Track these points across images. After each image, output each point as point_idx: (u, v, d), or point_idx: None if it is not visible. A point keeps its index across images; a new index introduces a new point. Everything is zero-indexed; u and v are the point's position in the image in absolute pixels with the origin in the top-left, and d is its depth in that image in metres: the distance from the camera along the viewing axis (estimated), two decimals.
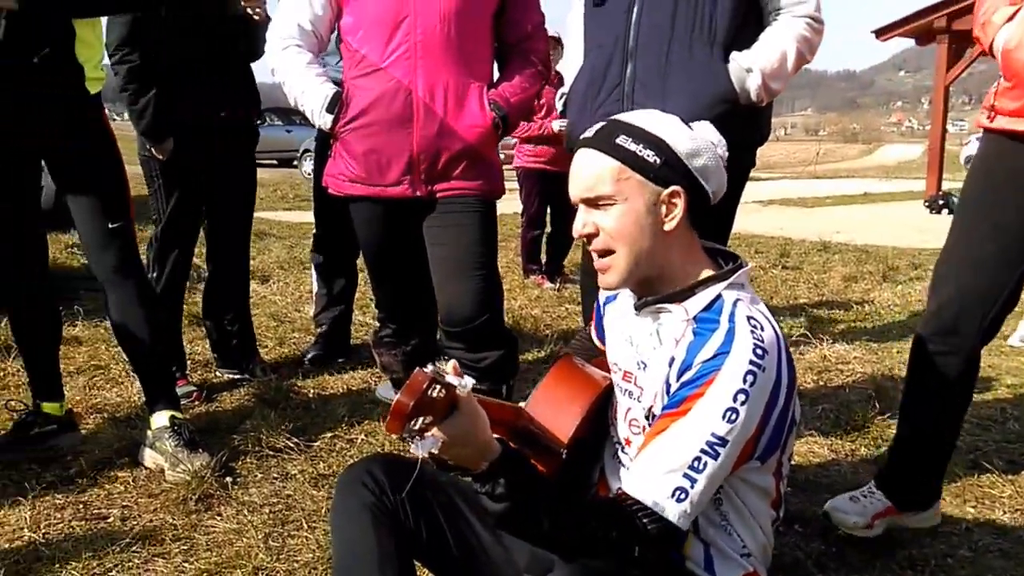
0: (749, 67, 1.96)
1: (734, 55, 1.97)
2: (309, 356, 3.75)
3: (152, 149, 2.98)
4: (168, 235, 3.16)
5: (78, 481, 2.46)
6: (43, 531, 2.16)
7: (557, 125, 5.30)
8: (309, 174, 17.44)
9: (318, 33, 2.36)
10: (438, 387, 1.13)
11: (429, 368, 1.14)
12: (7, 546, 2.09)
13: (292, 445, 2.70)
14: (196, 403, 3.12)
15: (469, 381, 1.19)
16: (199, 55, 3.01)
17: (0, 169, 2.46)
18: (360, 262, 3.28)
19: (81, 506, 2.31)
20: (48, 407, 2.74)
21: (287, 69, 2.34)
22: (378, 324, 2.55)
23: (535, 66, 2.41)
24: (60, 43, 2.41)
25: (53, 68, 2.40)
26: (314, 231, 3.97)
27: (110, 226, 2.53)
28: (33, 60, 2.36)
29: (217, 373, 3.50)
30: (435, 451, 1.18)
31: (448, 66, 2.24)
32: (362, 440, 2.81)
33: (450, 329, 2.40)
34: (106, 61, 2.80)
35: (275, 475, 2.53)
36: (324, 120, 2.30)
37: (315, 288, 4.09)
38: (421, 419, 1.14)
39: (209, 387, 3.33)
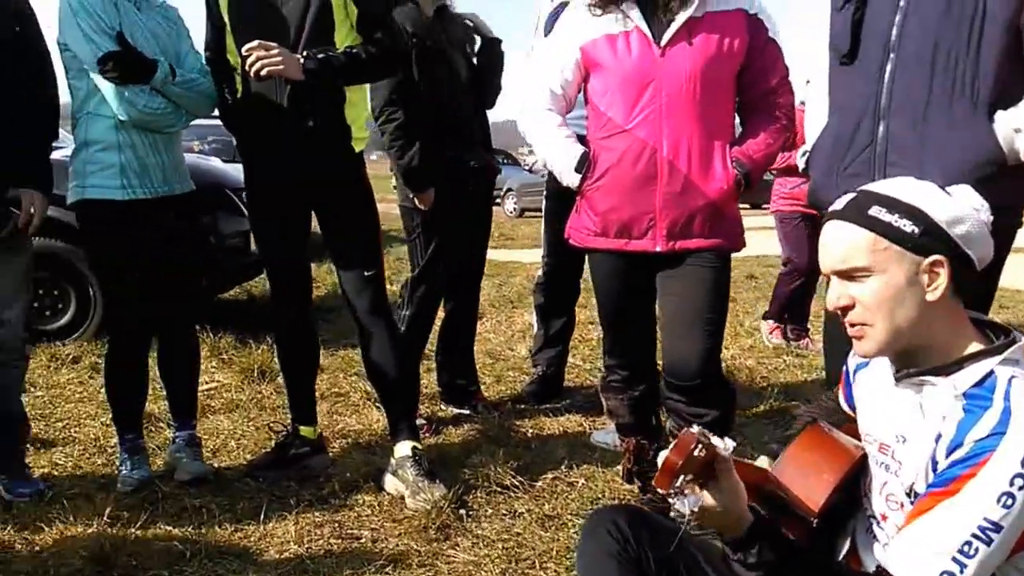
0: (1018, 127, 1.86)
1: (1000, 114, 1.88)
2: (527, 395, 3.90)
3: (415, 199, 3.25)
4: (422, 280, 3.41)
5: (331, 501, 2.71)
6: (306, 545, 2.41)
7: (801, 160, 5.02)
8: (512, 212, 18.04)
9: (567, 96, 2.47)
10: (702, 447, 1.18)
11: (695, 428, 1.20)
12: (277, 556, 2.35)
13: (517, 483, 2.82)
14: (426, 435, 3.33)
15: (731, 443, 1.24)
16: (452, 108, 3.29)
17: (280, 216, 2.81)
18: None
19: (336, 525, 2.54)
20: (304, 431, 3.05)
21: (539, 131, 2.47)
22: (606, 370, 2.61)
23: (779, 121, 2.40)
24: (333, 107, 2.72)
25: (326, 130, 2.71)
26: (540, 272, 4.12)
27: (365, 274, 2.80)
28: (309, 123, 2.68)
29: (443, 407, 3.72)
30: (695, 509, 1.23)
31: (692, 125, 2.29)
32: (582, 485, 2.88)
33: (674, 382, 2.43)
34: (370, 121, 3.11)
35: (504, 512, 2.66)
36: (572, 180, 2.40)
37: (535, 327, 4.25)
38: (683, 477, 1.20)
39: (436, 420, 3.54)
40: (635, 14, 2.28)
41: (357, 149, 2.80)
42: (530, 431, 3.46)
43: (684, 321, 2.40)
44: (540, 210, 4.10)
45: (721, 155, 2.33)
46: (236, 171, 6.55)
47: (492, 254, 9.71)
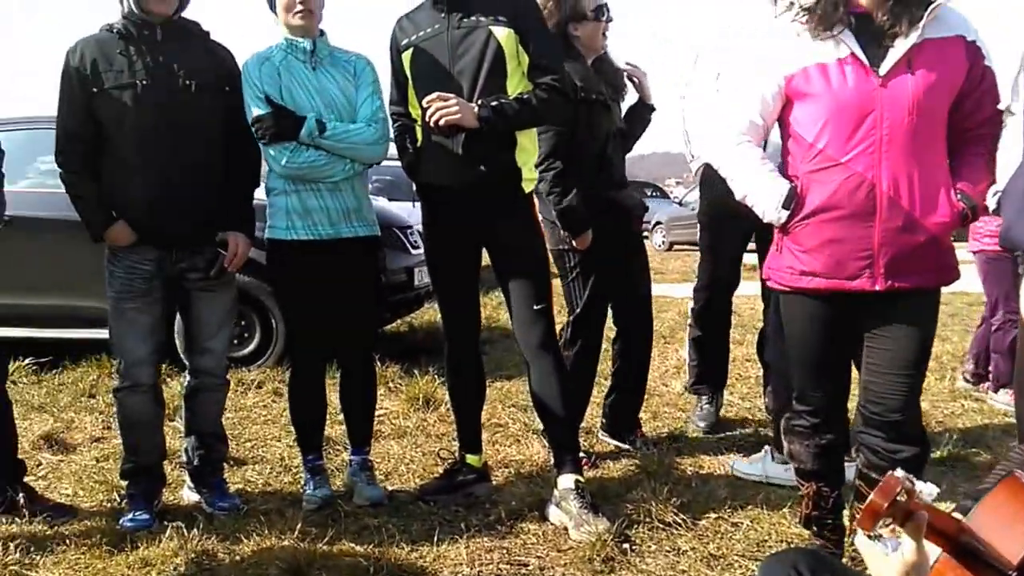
0: None
1: None
2: (689, 428, 3.90)
3: (573, 241, 3.37)
4: (585, 319, 3.50)
5: (498, 528, 2.82)
6: (477, 569, 2.53)
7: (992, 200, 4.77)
8: (660, 246, 17.87)
9: (767, 127, 2.37)
10: (904, 491, 1.20)
11: (900, 473, 1.21)
12: None
13: (680, 521, 2.83)
14: (587, 468, 3.39)
15: (934, 490, 1.24)
16: (606, 154, 3.40)
17: (454, 255, 3.00)
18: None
19: (504, 551, 2.65)
20: (471, 459, 3.19)
21: (739, 164, 2.35)
22: (793, 413, 2.51)
23: (991, 152, 2.27)
24: (505, 151, 2.87)
25: (498, 173, 2.86)
26: (693, 305, 4.12)
27: (535, 308, 2.91)
28: (481, 168, 2.84)
29: (602, 441, 3.77)
30: (894, 552, 1.24)
31: (912, 158, 2.17)
32: (747, 525, 2.85)
33: (873, 416, 2.34)
34: None
35: (667, 548, 2.67)
36: (780, 216, 2.27)
37: (687, 360, 4.24)
38: (884, 520, 1.22)
39: (596, 455, 3.59)
40: (851, 41, 2.16)
41: (527, 190, 2.93)
42: (690, 468, 3.45)
43: (894, 359, 2.28)
44: (689, 243, 4.11)
45: (944, 187, 2.21)
46: (399, 209, 6.96)
47: None
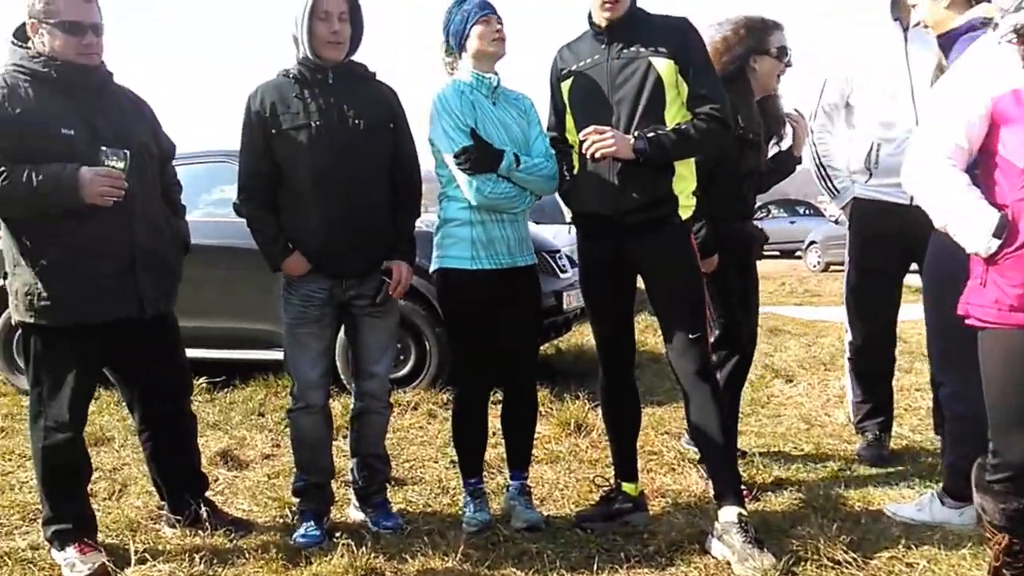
0: None
1: None
2: (855, 462, 3.74)
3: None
4: (727, 341, 3.46)
5: (658, 559, 2.78)
6: None
7: None
8: (815, 267, 17.19)
9: (972, 152, 2.23)
10: None
11: None
12: None
13: (851, 559, 2.68)
14: (747, 500, 3.29)
15: None
16: (739, 190, 3.43)
17: (610, 282, 3.01)
18: None
19: None
20: (627, 487, 3.16)
21: (943, 190, 2.22)
22: (990, 468, 2.30)
23: None
24: (661, 180, 2.86)
25: (654, 201, 2.85)
26: (849, 339, 3.93)
27: (690, 336, 2.87)
28: (634, 195, 2.83)
29: (762, 471, 3.65)
30: None
31: None
32: (924, 567, 2.68)
33: None
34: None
35: None
36: (990, 246, 2.12)
37: (850, 395, 4.04)
38: None
39: (756, 486, 3.47)
40: None
41: (684, 217, 2.90)
42: (857, 503, 3.28)
43: None
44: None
45: None
46: (546, 233, 7.04)
47: (797, 312, 9.54)
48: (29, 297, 2.70)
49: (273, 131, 2.89)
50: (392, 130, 3.01)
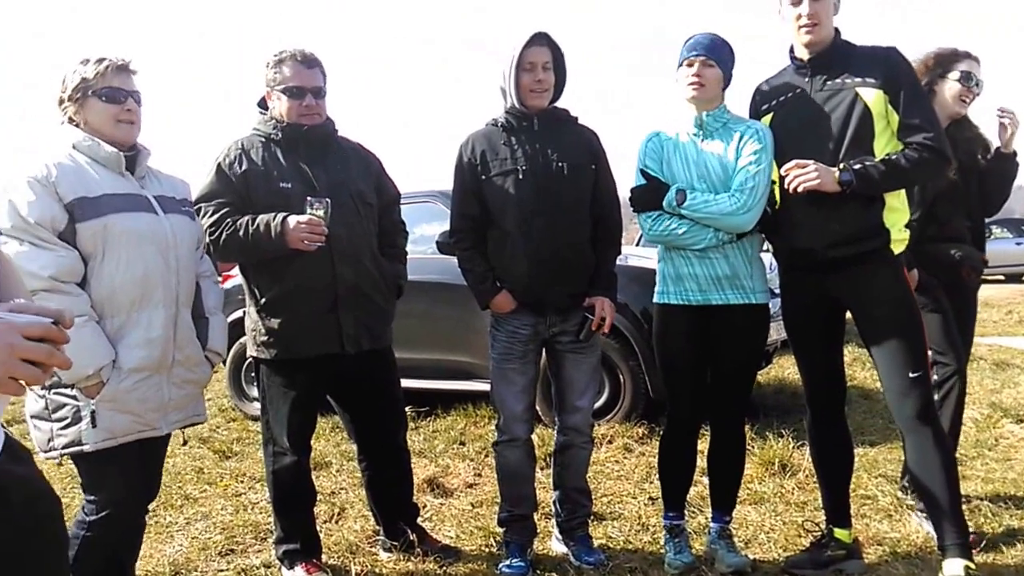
0: None
1: None
2: None
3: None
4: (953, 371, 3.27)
5: None
6: None
7: None
8: None
9: None
10: None
11: None
12: None
13: None
14: (975, 551, 3.02)
15: None
16: (930, 211, 3.26)
17: (817, 318, 2.92)
18: None
19: None
20: (839, 533, 3.01)
21: None
22: None
23: None
24: (870, 211, 2.73)
25: (862, 233, 2.73)
26: None
27: (911, 375, 2.70)
28: (835, 226, 2.73)
29: (991, 519, 3.34)
30: None
31: None
32: None
33: None
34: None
35: None
36: None
37: None
38: None
39: (982, 535, 3.18)
40: None
41: (896, 251, 2.76)
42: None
43: None
44: None
45: None
46: None
47: None
48: (254, 333, 3.04)
49: (483, 177, 3.04)
50: (594, 170, 3.09)
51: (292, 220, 2.83)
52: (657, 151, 3.00)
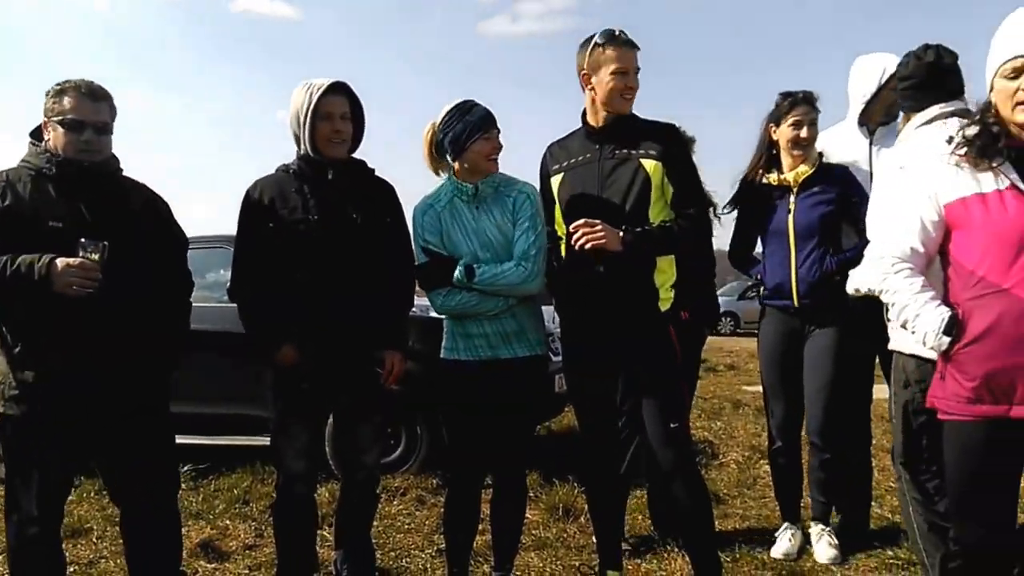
0: None
1: None
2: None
3: None
4: None
5: None
6: None
7: None
8: None
9: (929, 255, 2.38)
10: None
11: None
12: None
13: None
14: None
15: None
16: None
17: (591, 368, 3.06)
18: None
19: None
20: (611, 575, 3.16)
21: (899, 290, 2.37)
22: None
23: None
24: (643, 273, 2.94)
25: (635, 293, 2.95)
26: None
27: (671, 426, 2.91)
28: (617, 287, 2.92)
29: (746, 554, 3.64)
30: None
31: None
32: None
33: None
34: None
35: None
36: (941, 343, 2.26)
37: None
38: None
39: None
40: (1011, 173, 2.21)
41: (663, 309, 2.97)
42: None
43: None
44: None
45: None
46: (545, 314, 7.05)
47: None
48: (2, 386, 2.68)
49: (271, 224, 2.96)
50: (389, 223, 3.10)
51: (61, 263, 2.57)
52: (435, 223, 3.05)
